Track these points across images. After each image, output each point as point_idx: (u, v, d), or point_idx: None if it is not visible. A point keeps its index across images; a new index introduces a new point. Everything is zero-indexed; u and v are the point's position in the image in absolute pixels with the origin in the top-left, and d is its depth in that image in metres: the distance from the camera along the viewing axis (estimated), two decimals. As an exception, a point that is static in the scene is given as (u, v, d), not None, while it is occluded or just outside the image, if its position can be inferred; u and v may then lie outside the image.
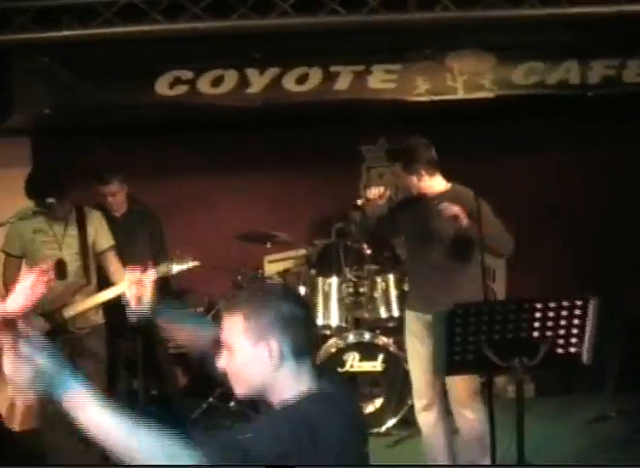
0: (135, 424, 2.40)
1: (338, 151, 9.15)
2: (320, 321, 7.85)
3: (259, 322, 2.76)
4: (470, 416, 5.75)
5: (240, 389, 2.85)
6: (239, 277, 8.16)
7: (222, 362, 2.86)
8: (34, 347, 2.41)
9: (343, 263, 8.04)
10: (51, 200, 6.20)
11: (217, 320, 7.41)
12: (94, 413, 2.38)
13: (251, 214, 9.07)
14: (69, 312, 6.38)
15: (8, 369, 2.42)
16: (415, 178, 5.84)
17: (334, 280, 7.91)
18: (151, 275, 3.76)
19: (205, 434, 2.57)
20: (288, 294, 2.87)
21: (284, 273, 8.49)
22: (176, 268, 6.20)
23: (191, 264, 6.21)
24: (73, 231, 6.49)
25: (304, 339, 2.82)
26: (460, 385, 5.74)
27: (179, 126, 8.62)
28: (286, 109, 7.77)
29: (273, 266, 8.77)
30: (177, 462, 2.39)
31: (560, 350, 4.41)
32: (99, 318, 6.64)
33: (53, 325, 6.26)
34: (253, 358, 2.77)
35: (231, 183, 9.24)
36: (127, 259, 6.79)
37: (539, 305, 4.33)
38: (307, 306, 2.93)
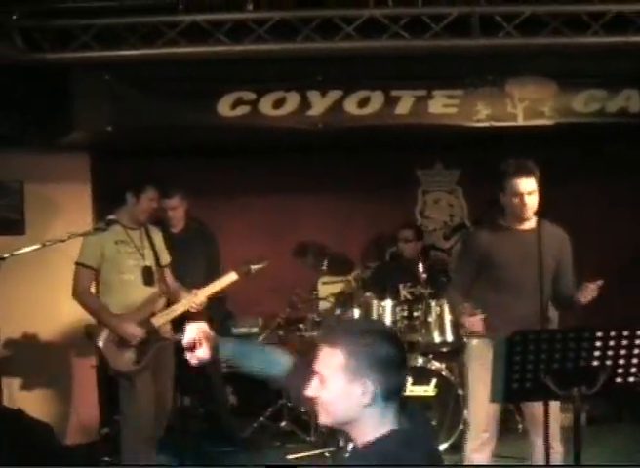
0: None
1: (395, 175, 9.21)
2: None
3: (358, 361, 2.78)
4: (559, 449, 5.62)
5: (324, 419, 2.91)
6: (293, 298, 8.22)
7: (313, 391, 2.90)
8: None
9: (399, 286, 8.05)
10: (112, 217, 6.40)
11: (271, 340, 7.51)
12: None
13: (307, 234, 9.01)
14: (159, 320, 6.58)
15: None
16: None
17: (388, 303, 7.85)
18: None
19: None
20: (388, 336, 2.86)
21: (338, 295, 8.46)
22: (253, 268, 6.62)
23: (266, 263, 6.68)
24: (147, 242, 6.67)
25: (397, 382, 2.85)
26: (557, 420, 5.61)
27: (240, 147, 8.73)
28: (346, 132, 7.81)
29: (327, 288, 8.80)
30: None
31: (619, 379, 4.35)
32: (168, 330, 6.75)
33: (147, 332, 6.48)
34: (346, 394, 2.80)
35: (290, 204, 9.30)
36: (181, 276, 7.04)
37: (599, 334, 4.27)
38: (404, 349, 2.93)
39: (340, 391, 2.81)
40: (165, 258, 6.88)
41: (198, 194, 8.13)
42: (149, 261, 6.65)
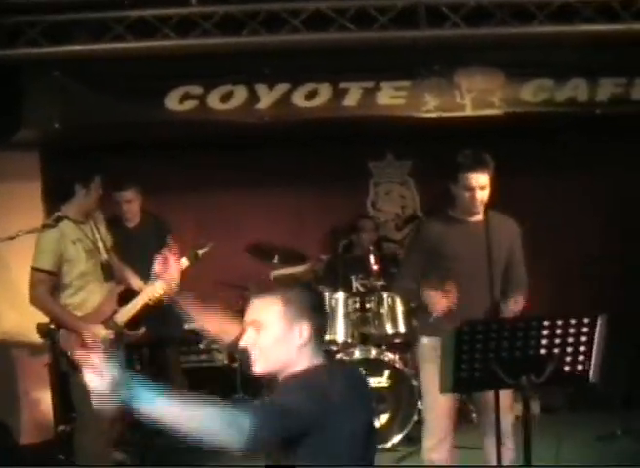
0: (194, 405, 2.83)
1: (345, 167, 9.22)
2: (326, 336, 7.75)
3: (294, 307, 3.18)
4: (511, 446, 5.53)
5: (261, 366, 3.21)
6: (246, 292, 8.15)
7: (249, 340, 3.21)
8: (108, 360, 2.84)
9: (351, 278, 8.11)
10: (59, 214, 6.27)
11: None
12: (163, 407, 2.82)
13: (259, 229, 9.08)
14: (123, 317, 6.42)
15: (89, 382, 2.83)
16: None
17: (340, 295, 7.87)
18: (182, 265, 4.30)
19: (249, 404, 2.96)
20: (310, 286, 3.47)
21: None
22: (201, 251, 6.47)
23: (209, 245, 6.49)
24: (97, 234, 6.51)
25: (324, 323, 3.33)
26: (509, 413, 5.55)
27: (189, 141, 8.73)
28: (295, 125, 7.85)
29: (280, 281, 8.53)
30: (234, 428, 2.76)
31: (567, 368, 4.37)
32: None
33: (114, 332, 6.33)
34: (284, 337, 3.16)
35: (239, 199, 9.29)
36: (139, 271, 6.81)
37: (546, 322, 4.28)
38: (322, 296, 3.46)
39: (280, 335, 3.16)
40: (109, 240, 6.69)
41: (149, 189, 8.08)
42: (105, 255, 6.51)
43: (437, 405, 5.60)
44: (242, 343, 3.26)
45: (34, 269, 6.23)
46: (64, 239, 6.24)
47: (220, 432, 2.78)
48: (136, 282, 6.65)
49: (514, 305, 5.58)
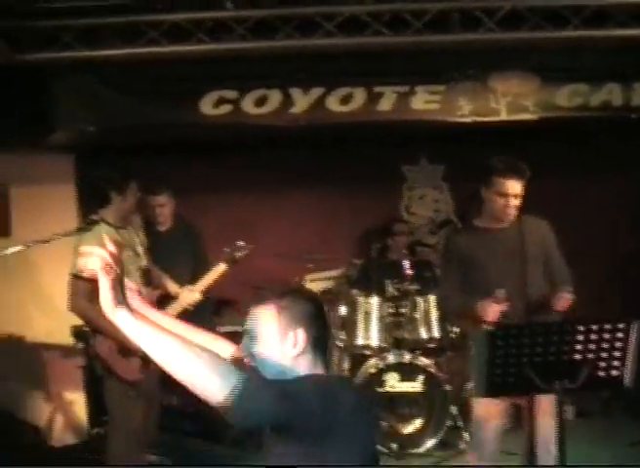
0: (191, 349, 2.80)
1: (379, 171, 9.09)
2: (360, 341, 7.81)
3: (288, 315, 3.11)
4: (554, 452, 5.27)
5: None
6: (263, 291, 7.96)
7: (243, 348, 3.19)
8: None
9: (385, 283, 8.02)
10: (95, 217, 6.16)
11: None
12: (156, 336, 2.83)
13: (292, 232, 9.07)
14: None
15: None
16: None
17: (374, 300, 7.84)
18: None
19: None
20: (309, 294, 3.29)
21: (325, 293, 8.38)
22: (239, 255, 6.53)
23: (247, 248, 6.57)
24: (138, 240, 6.47)
25: (322, 333, 3.18)
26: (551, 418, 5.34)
27: (222, 145, 8.63)
28: (329, 129, 7.87)
29: (314, 285, 8.59)
30: (229, 380, 2.75)
31: (602, 373, 4.36)
32: None
33: None
34: (279, 346, 3.10)
35: (274, 202, 9.22)
36: (170, 275, 6.85)
37: (581, 328, 4.29)
38: (323, 305, 3.25)
39: (274, 343, 3.10)
40: (146, 245, 6.64)
41: (182, 192, 8.00)
42: (144, 260, 6.45)
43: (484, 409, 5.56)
44: (238, 352, 3.26)
45: (73, 275, 6.14)
46: (103, 243, 6.17)
47: (207, 381, 2.77)
48: (172, 287, 6.66)
49: (560, 302, 5.48)
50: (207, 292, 6.70)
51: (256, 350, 3.12)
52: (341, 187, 9.21)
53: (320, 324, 3.18)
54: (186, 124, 7.69)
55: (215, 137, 8.30)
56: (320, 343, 3.16)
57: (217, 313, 8.53)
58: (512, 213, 5.52)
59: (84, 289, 6.04)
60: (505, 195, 5.45)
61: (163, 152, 8.57)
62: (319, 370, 3.14)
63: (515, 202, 5.45)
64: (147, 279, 6.40)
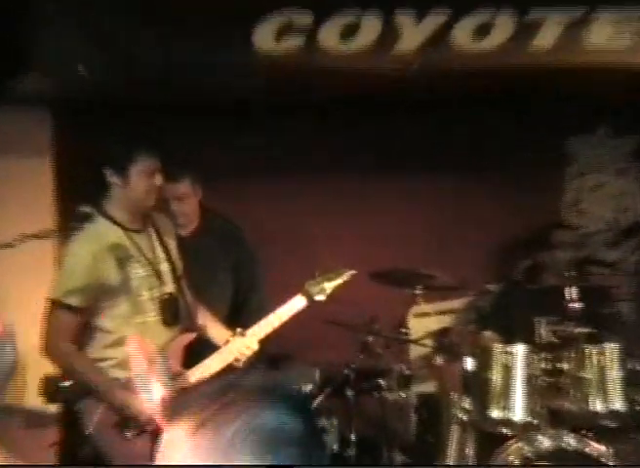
0: None
1: (528, 147, 9.15)
2: (495, 412, 7.63)
3: None
4: None
5: None
6: (370, 338, 8.06)
7: None
8: None
9: (535, 322, 7.79)
10: (87, 209, 6.33)
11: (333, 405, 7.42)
12: None
13: (387, 242, 9.08)
14: (196, 375, 6.48)
15: None
16: None
17: (519, 348, 7.61)
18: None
19: None
20: None
21: (440, 334, 8.27)
22: (329, 286, 6.73)
23: (349, 274, 6.80)
24: (161, 253, 6.58)
25: None
26: None
27: (286, 101, 8.55)
28: (454, 78, 7.87)
29: (423, 322, 8.63)
30: None
31: None
32: None
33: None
34: None
35: (365, 193, 9.24)
36: (199, 301, 6.99)
37: None
38: None
39: None
40: (179, 262, 6.74)
41: (219, 177, 8.11)
42: (170, 284, 6.51)
43: None
44: None
45: (53, 302, 6.20)
46: (106, 253, 6.23)
47: None
48: (215, 329, 6.82)
49: None
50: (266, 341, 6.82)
51: None
52: (471, 171, 9.20)
53: None
54: (230, 65, 7.68)
55: (275, 88, 8.22)
56: None
57: (274, 364, 8.55)
58: None
59: (69, 323, 6.19)
60: None
61: (191, 112, 8.57)
62: None
63: None
64: (171, 315, 6.49)
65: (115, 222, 6.25)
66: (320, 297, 6.69)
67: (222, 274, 7.71)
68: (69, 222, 6.37)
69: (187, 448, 2.62)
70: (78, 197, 6.77)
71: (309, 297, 6.63)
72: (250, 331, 6.64)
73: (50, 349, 6.20)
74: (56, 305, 6.15)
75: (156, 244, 6.50)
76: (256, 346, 6.64)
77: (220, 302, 7.39)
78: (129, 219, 6.34)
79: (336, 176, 9.17)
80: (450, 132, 9.16)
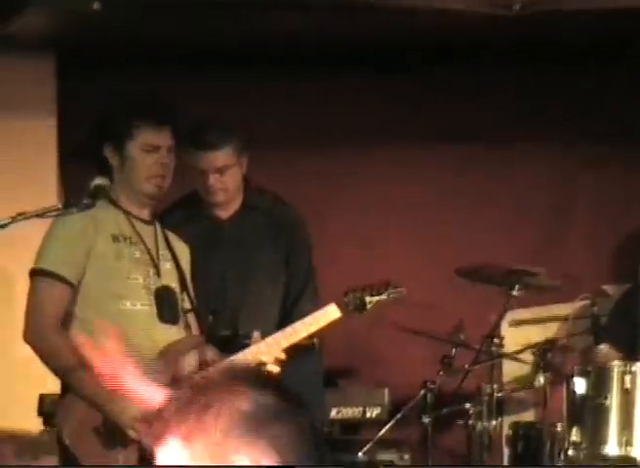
0: None
1: None
2: (612, 449, 7.07)
3: None
4: None
5: None
6: (453, 351, 7.65)
7: None
8: None
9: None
10: (100, 182, 5.76)
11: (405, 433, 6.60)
12: None
13: (477, 233, 8.67)
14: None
15: None
16: None
17: None
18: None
19: None
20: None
21: (544, 347, 7.62)
22: (370, 300, 6.31)
23: (396, 293, 6.37)
24: (167, 253, 6.23)
25: None
26: None
27: (340, 48, 8.26)
28: (559, 22, 7.52)
29: (521, 332, 8.25)
30: None
31: None
32: None
33: None
34: None
35: (433, 169, 8.86)
36: (239, 302, 6.78)
37: None
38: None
39: None
40: (187, 270, 6.35)
41: (269, 143, 7.89)
42: (170, 280, 6.11)
43: None
44: None
45: (36, 272, 5.90)
46: (98, 227, 5.96)
47: None
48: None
49: None
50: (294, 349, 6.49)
51: None
52: (582, 142, 8.66)
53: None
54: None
55: (326, 34, 7.97)
56: None
57: (331, 383, 8.24)
58: None
59: (60, 300, 5.89)
60: None
61: (230, 61, 8.32)
62: None
63: None
64: (168, 308, 6.09)
65: (117, 206, 5.93)
66: (357, 311, 6.29)
67: (272, 268, 7.06)
68: (78, 199, 5.64)
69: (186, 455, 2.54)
70: (89, 166, 6.17)
71: (344, 309, 6.18)
72: (270, 339, 6.19)
73: (32, 330, 5.83)
74: (43, 276, 5.79)
75: (161, 239, 6.14)
76: (282, 354, 6.16)
77: (269, 304, 6.85)
78: (134, 205, 5.98)
79: (410, 150, 8.69)
80: (558, 90, 8.61)
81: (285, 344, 6.24)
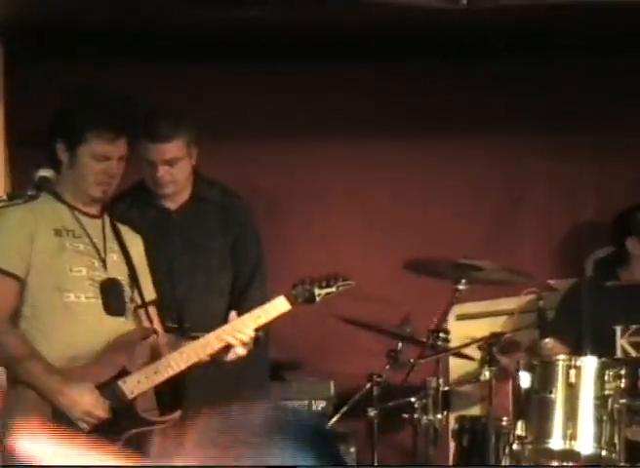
0: None
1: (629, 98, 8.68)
2: (557, 442, 7.10)
3: None
4: None
5: None
6: (400, 344, 7.63)
7: None
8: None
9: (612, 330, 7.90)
10: (45, 173, 5.76)
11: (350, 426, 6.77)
12: None
13: (426, 226, 8.70)
14: (138, 386, 6.11)
15: None
16: None
17: (589, 361, 7.23)
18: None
19: None
20: None
21: (489, 342, 7.52)
22: (319, 293, 6.36)
23: (345, 285, 6.40)
24: (115, 246, 6.37)
25: None
26: None
27: (288, 37, 8.20)
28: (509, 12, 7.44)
29: (467, 326, 8.31)
30: None
31: None
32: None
33: (114, 407, 6.05)
34: None
35: (390, 161, 8.75)
36: (186, 292, 6.91)
37: None
38: None
39: None
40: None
41: (222, 133, 8.01)
42: (117, 272, 6.22)
43: None
44: None
45: None
46: (40, 221, 6.09)
47: None
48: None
49: None
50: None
51: None
52: (545, 133, 8.68)
53: None
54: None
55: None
56: None
57: (278, 375, 8.37)
58: None
59: (6, 294, 5.99)
60: None
61: (181, 50, 8.22)
62: None
63: None
64: (113, 300, 6.18)
65: (61, 200, 6.08)
66: (306, 304, 6.35)
67: (219, 255, 7.27)
68: (24, 190, 5.72)
69: None
70: (38, 155, 6.35)
71: (293, 302, 6.24)
72: (241, 319, 6.24)
73: None
74: None
75: (109, 233, 6.27)
76: (251, 333, 6.22)
77: (217, 294, 7.00)
78: (80, 201, 6.11)
79: (365, 140, 8.70)
80: (514, 79, 8.57)
81: (255, 324, 6.31)
